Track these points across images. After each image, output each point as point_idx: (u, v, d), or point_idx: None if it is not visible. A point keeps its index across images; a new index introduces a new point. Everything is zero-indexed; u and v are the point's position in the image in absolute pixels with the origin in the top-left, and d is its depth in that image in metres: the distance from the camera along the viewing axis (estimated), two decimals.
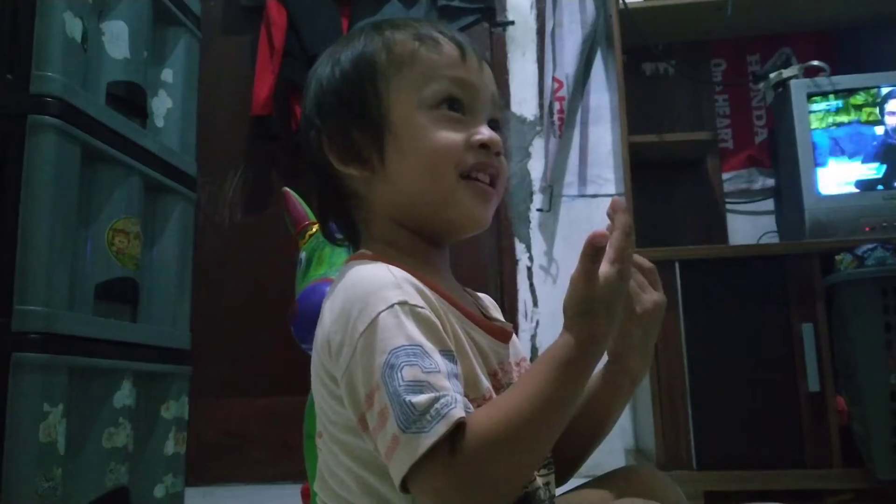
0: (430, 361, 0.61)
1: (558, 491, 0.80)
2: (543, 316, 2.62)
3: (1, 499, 1.24)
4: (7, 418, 1.27)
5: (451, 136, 0.73)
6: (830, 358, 1.92)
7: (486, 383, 0.70)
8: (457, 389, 0.61)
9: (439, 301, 0.69)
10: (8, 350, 1.28)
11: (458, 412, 0.58)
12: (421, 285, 0.67)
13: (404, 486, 0.60)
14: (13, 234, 1.33)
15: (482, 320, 0.76)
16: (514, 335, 0.81)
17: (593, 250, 0.64)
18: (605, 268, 0.64)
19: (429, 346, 0.62)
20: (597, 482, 0.81)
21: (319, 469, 0.73)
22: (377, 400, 0.61)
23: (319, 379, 0.70)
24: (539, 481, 0.73)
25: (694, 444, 1.94)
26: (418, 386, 0.59)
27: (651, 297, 0.77)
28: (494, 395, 0.70)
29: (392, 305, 0.63)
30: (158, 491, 1.62)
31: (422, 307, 0.64)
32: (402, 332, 0.62)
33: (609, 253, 0.65)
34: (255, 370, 2.67)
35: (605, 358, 0.76)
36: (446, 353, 0.63)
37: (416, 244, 0.76)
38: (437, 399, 0.58)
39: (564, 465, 0.80)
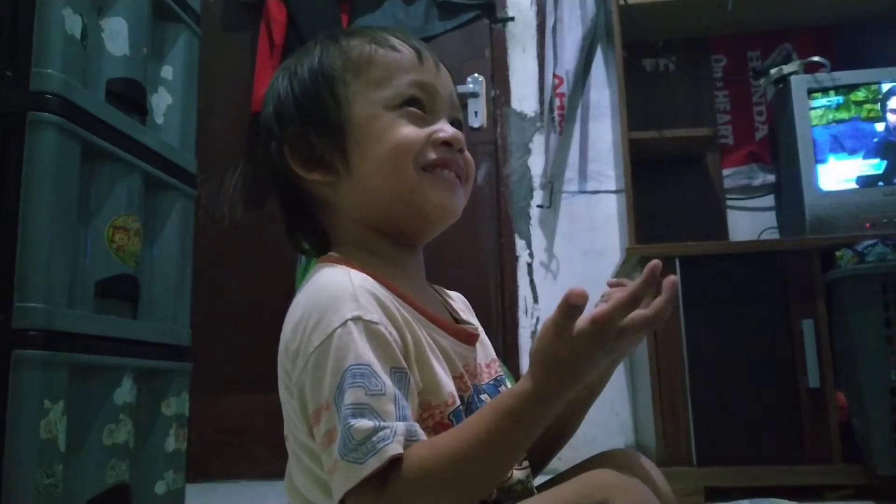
0: (376, 382, 0.61)
1: (538, 481, 0.80)
2: (544, 312, 2.62)
3: (2, 495, 1.24)
4: (7, 415, 1.26)
5: (411, 131, 0.74)
6: (831, 354, 1.92)
7: (448, 388, 0.70)
8: (401, 414, 0.61)
9: (400, 307, 0.69)
10: (8, 347, 1.28)
11: (394, 448, 0.59)
12: (381, 292, 0.68)
13: None
14: (13, 231, 1.32)
15: (446, 324, 0.76)
16: (482, 336, 0.82)
17: (568, 307, 0.60)
18: (582, 325, 0.60)
19: (378, 365, 0.62)
20: (577, 467, 0.81)
21: (287, 471, 0.74)
22: (324, 419, 0.62)
23: (283, 381, 0.70)
24: (517, 475, 0.74)
25: (694, 439, 1.94)
26: (360, 410, 0.59)
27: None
28: (458, 401, 0.70)
29: (346, 322, 0.63)
30: (159, 487, 1.62)
31: (376, 322, 0.64)
32: (353, 350, 0.62)
33: (596, 314, 0.60)
34: (256, 366, 2.67)
35: None
36: (397, 371, 0.63)
37: (385, 246, 0.76)
38: (375, 431, 0.59)
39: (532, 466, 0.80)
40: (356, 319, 0.63)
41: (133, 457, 1.54)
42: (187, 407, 1.74)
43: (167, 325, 1.70)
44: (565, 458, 0.86)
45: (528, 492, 0.74)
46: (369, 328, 0.64)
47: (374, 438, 0.59)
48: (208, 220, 2.74)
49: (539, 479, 0.79)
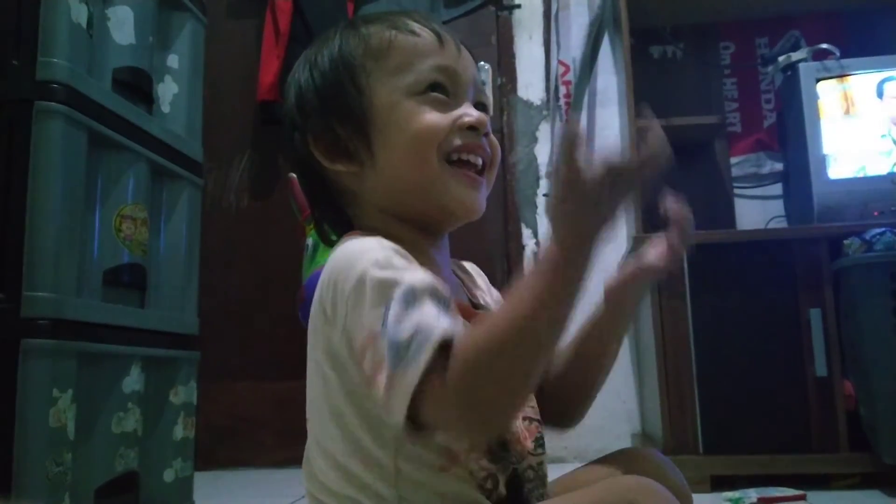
0: (416, 303, 0.60)
1: (558, 473, 0.80)
2: None
3: (12, 483, 1.25)
4: (17, 404, 1.27)
5: (435, 118, 0.73)
6: (838, 343, 1.91)
7: None
8: (441, 319, 0.60)
9: None
10: (17, 336, 1.29)
11: (438, 334, 0.58)
12: (409, 257, 0.67)
13: (412, 426, 0.59)
14: (21, 220, 1.33)
15: (467, 309, 0.76)
16: None
17: (571, 135, 0.58)
18: (592, 169, 0.58)
19: (418, 289, 0.61)
20: (594, 464, 0.81)
21: (305, 456, 0.74)
22: (370, 352, 0.61)
23: (314, 359, 0.70)
24: (531, 460, 0.74)
25: (700, 428, 1.94)
26: (400, 324, 0.59)
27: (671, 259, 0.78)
28: None
29: (377, 261, 0.63)
30: (168, 475, 1.63)
31: (406, 256, 0.65)
32: (389, 279, 0.62)
33: (609, 158, 0.58)
34: (263, 355, 2.68)
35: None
36: (434, 293, 0.63)
37: (410, 235, 0.76)
38: (417, 332, 0.58)
39: (571, 409, 0.81)
40: (386, 257, 0.64)
41: (141, 445, 1.55)
42: (195, 395, 1.75)
43: (175, 314, 1.71)
44: (571, 447, 0.86)
45: (540, 478, 0.74)
46: (400, 260, 0.64)
47: (419, 337, 0.58)
48: (215, 208, 2.75)
49: (553, 475, 0.80)
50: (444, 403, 0.58)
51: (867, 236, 1.85)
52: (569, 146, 0.58)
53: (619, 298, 0.81)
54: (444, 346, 0.58)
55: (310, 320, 0.70)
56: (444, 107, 0.74)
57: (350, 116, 0.75)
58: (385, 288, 0.61)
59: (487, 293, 0.87)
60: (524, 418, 0.76)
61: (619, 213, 0.60)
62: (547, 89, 2.73)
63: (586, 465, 0.82)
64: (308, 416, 0.73)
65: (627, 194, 0.60)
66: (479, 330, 0.59)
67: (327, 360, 0.68)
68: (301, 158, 0.78)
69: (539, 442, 0.76)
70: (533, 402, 0.78)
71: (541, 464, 0.75)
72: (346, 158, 0.75)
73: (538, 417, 0.77)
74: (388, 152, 0.74)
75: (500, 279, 2.68)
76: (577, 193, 0.58)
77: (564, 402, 0.81)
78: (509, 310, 0.60)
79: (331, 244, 0.83)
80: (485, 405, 0.59)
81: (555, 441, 2.55)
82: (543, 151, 2.70)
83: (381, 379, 0.59)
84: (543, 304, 0.59)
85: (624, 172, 0.58)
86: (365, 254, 0.65)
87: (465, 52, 0.79)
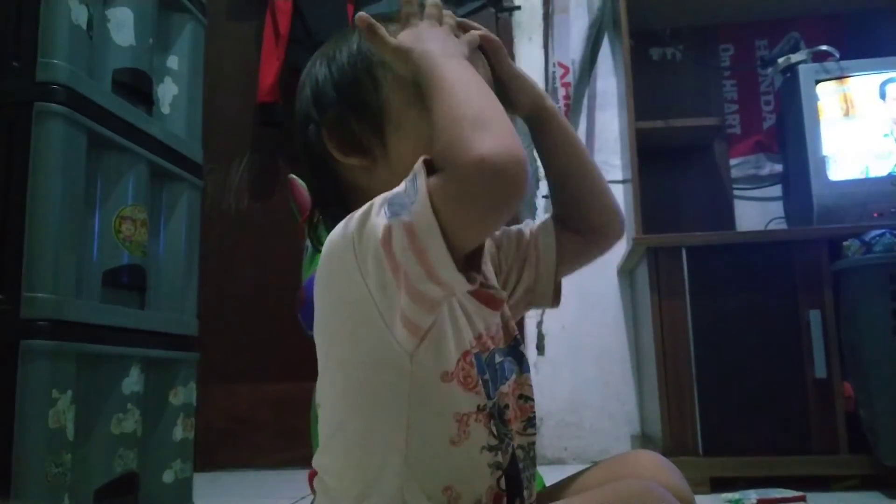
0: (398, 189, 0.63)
1: (558, 476, 0.80)
2: None
3: (11, 484, 1.25)
4: (16, 405, 1.27)
5: None
6: (837, 344, 1.91)
7: (470, 339, 0.71)
8: None
9: None
10: (16, 337, 1.29)
11: (420, 163, 0.61)
12: None
13: (462, 264, 0.60)
14: (21, 221, 1.33)
15: (475, 289, 0.76)
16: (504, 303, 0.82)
17: (368, 33, 0.73)
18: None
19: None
20: (595, 467, 0.82)
21: (318, 450, 0.74)
22: (395, 248, 0.60)
23: (324, 344, 0.70)
24: (520, 440, 0.75)
25: (700, 430, 1.94)
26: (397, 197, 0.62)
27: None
28: (484, 347, 0.72)
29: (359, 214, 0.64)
30: (167, 476, 1.63)
31: None
32: (385, 195, 0.63)
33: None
34: (263, 356, 2.68)
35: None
36: None
37: None
38: (405, 182, 0.61)
39: (586, 209, 0.89)
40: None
41: (141, 446, 1.55)
42: (195, 396, 1.75)
43: (174, 315, 1.71)
44: (571, 449, 0.86)
45: (530, 458, 0.76)
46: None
47: (409, 177, 0.61)
48: (215, 210, 2.74)
49: (554, 477, 0.80)
50: (458, 183, 0.59)
51: (867, 238, 1.86)
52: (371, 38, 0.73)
53: (523, 101, 0.89)
54: (429, 165, 0.61)
55: (316, 302, 0.70)
56: None
57: (366, 111, 0.75)
58: (383, 200, 0.63)
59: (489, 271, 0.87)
60: (520, 396, 0.77)
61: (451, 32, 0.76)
62: (546, 91, 2.73)
63: (587, 468, 0.82)
64: (318, 401, 0.74)
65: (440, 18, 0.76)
66: (432, 126, 0.64)
67: (342, 337, 0.68)
68: (313, 152, 0.78)
69: (530, 422, 0.77)
70: (529, 380, 0.79)
71: (532, 444, 0.76)
72: (360, 153, 0.76)
73: (533, 397, 0.78)
74: (401, 148, 0.74)
75: None
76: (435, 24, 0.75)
77: (576, 204, 0.89)
78: (439, 99, 0.65)
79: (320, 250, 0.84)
80: (482, 151, 0.60)
81: (555, 442, 2.56)
82: None
83: (408, 242, 0.59)
84: (455, 78, 0.67)
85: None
86: (354, 216, 0.65)
87: (479, 54, 0.81)
